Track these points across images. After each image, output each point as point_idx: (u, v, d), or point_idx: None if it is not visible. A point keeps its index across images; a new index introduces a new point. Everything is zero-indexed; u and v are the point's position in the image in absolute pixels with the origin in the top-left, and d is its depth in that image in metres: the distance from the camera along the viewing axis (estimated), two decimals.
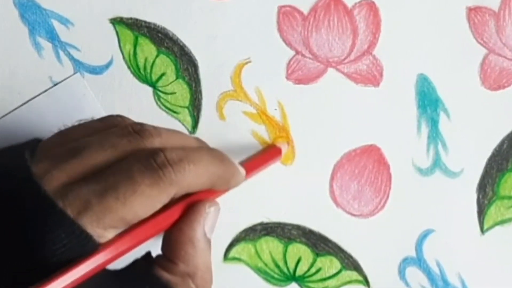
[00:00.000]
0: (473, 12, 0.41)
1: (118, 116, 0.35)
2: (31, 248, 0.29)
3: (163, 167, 0.31)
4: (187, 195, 0.33)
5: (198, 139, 0.37)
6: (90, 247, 0.30)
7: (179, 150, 0.32)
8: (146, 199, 0.31)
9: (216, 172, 0.33)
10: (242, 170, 0.36)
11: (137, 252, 0.33)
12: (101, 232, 0.30)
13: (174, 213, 0.33)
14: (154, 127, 0.34)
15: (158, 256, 0.34)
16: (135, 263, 0.33)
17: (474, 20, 0.41)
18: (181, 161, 0.32)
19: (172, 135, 0.34)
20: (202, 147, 0.35)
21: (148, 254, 0.34)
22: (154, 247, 0.34)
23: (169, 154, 0.32)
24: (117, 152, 0.32)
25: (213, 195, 0.34)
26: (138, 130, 0.33)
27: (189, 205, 0.33)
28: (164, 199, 0.32)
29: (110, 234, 0.31)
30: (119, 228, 0.31)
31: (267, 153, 0.41)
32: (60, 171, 0.31)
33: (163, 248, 0.34)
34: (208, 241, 0.34)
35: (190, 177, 0.32)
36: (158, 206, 0.32)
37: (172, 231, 0.33)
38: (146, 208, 0.31)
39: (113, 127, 0.34)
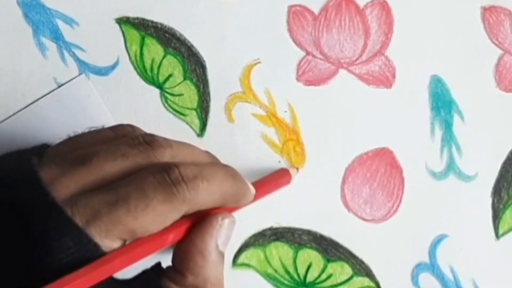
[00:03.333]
0: (487, 11, 0.41)
1: (129, 125, 0.35)
2: (37, 255, 0.29)
3: (177, 184, 0.31)
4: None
5: (208, 153, 0.37)
6: (97, 257, 0.30)
7: (193, 166, 0.32)
8: (157, 215, 0.30)
9: (229, 190, 0.33)
10: (252, 189, 0.35)
11: (148, 262, 0.32)
12: (109, 243, 0.30)
13: (184, 224, 0.32)
14: (165, 139, 0.33)
15: (167, 268, 0.33)
16: (144, 273, 0.33)
17: (489, 20, 0.41)
18: (196, 178, 0.31)
19: (183, 148, 0.34)
20: (215, 163, 0.35)
21: (158, 265, 0.33)
22: (165, 257, 0.33)
23: (183, 170, 0.31)
24: (128, 162, 0.31)
25: (222, 210, 0.34)
26: (149, 141, 0.33)
27: (200, 216, 0.33)
28: (175, 216, 0.31)
29: (117, 245, 0.30)
30: (127, 239, 0.31)
31: (276, 175, 0.41)
32: (69, 179, 0.30)
33: (173, 260, 0.33)
34: (221, 254, 0.34)
35: (204, 195, 0.32)
36: (169, 222, 0.31)
37: (183, 242, 0.33)
38: (156, 223, 0.31)
39: (123, 136, 0.33)
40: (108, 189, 0.30)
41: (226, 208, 0.34)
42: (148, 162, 0.32)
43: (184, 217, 0.32)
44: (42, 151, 0.33)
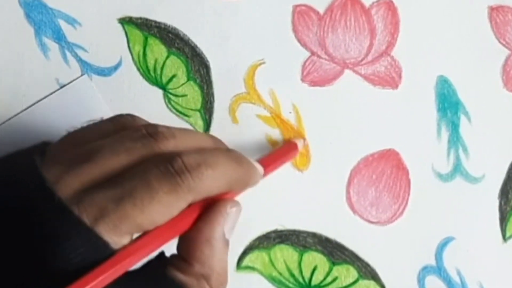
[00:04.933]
0: (495, 11, 0.41)
1: (129, 115, 0.35)
2: (46, 257, 0.29)
3: (181, 173, 0.30)
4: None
5: (212, 137, 0.37)
6: (107, 254, 0.29)
7: (196, 154, 0.32)
8: (164, 206, 0.30)
9: (234, 175, 0.33)
10: (260, 168, 0.35)
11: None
12: (117, 239, 0.30)
13: (192, 213, 0.32)
14: (168, 128, 0.33)
15: (172, 256, 0.33)
16: (149, 263, 0.32)
17: (496, 20, 0.41)
18: (199, 166, 0.31)
19: (187, 135, 0.33)
20: (219, 149, 0.34)
21: (162, 254, 0.33)
22: (168, 246, 0.33)
23: (186, 159, 0.31)
24: (132, 156, 0.31)
25: (230, 195, 0.34)
26: (152, 133, 0.32)
27: (208, 204, 0.33)
28: (182, 206, 0.31)
29: (125, 241, 0.30)
30: (135, 234, 0.31)
31: (284, 149, 0.41)
32: (73, 177, 0.30)
33: (178, 248, 0.33)
34: (227, 242, 0.33)
35: (208, 182, 0.31)
36: (175, 212, 0.31)
37: (190, 230, 0.32)
38: (163, 215, 0.30)
39: (125, 128, 0.33)
40: (113, 184, 0.30)
41: (235, 191, 0.34)
42: (152, 154, 0.31)
43: (192, 205, 0.32)
44: (43, 150, 0.32)
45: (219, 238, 0.33)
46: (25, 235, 0.29)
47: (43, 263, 0.29)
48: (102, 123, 0.34)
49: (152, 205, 0.30)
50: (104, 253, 0.29)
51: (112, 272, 0.29)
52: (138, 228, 0.30)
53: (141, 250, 0.30)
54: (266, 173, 0.36)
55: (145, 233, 0.31)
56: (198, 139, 0.34)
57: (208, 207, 0.32)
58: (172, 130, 0.33)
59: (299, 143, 0.41)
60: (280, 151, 0.40)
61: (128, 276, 0.31)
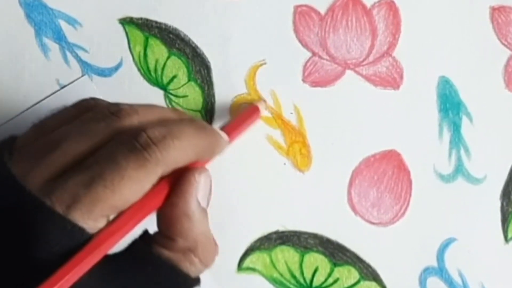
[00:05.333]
0: (496, 12, 0.41)
1: (91, 98, 0.35)
2: (27, 250, 0.29)
3: (147, 147, 0.30)
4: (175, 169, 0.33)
5: (176, 110, 0.37)
6: (84, 239, 0.30)
7: (161, 127, 0.32)
8: (135, 183, 0.30)
9: (200, 143, 0.33)
10: (224, 136, 0.35)
11: (136, 231, 0.32)
12: (93, 223, 0.30)
13: (164, 188, 0.32)
14: (130, 105, 0.33)
15: (156, 234, 0.33)
16: (134, 244, 0.32)
17: (498, 20, 0.41)
18: (165, 138, 0.31)
19: (149, 110, 0.33)
20: (183, 119, 0.34)
21: (146, 233, 0.33)
22: (151, 223, 0.33)
23: (151, 132, 0.31)
24: (97, 138, 0.31)
25: (199, 164, 0.34)
26: (115, 111, 0.32)
27: (178, 177, 0.33)
28: (152, 180, 0.31)
29: (101, 224, 0.30)
30: (110, 216, 0.31)
31: (246, 114, 0.40)
32: (42, 168, 0.30)
33: (159, 226, 0.33)
34: (204, 211, 0.33)
35: (176, 152, 0.31)
36: (148, 187, 0.31)
37: (165, 207, 0.32)
38: (135, 192, 0.30)
39: (87, 111, 0.33)
40: (81, 169, 0.30)
41: (204, 161, 0.34)
42: (117, 133, 0.31)
43: (163, 179, 0.32)
44: (11, 144, 0.32)
45: (195, 208, 0.32)
46: (1, 232, 0.29)
47: (25, 257, 0.29)
48: (65, 109, 0.34)
49: (123, 183, 0.30)
50: (81, 239, 0.29)
51: (91, 257, 0.29)
52: (113, 209, 0.30)
53: (117, 232, 0.30)
54: (231, 139, 0.36)
55: (120, 214, 0.31)
56: (161, 112, 0.34)
57: (178, 180, 0.32)
58: (134, 106, 0.33)
59: (261, 106, 0.41)
60: (242, 116, 0.40)
61: (114, 258, 0.31)
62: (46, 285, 0.28)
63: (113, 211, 0.30)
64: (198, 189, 0.33)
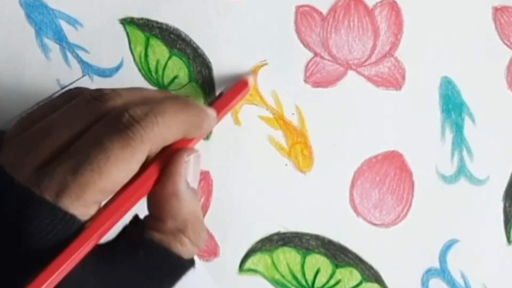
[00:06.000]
0: (499, 12, 0.40)
1: (76, 88, 0.35)
2: (19, 241, 0.29)
3: (130, 125, 0.31)
4: (164, 151, 0.33)
5: (161, 90, 0.37)
6: (76, 227, 0.30)
7: (143, 105, 0.32)
8: (122, 163, 0.30)
9: (185, 118, 0.33)
10: (211, 112, 0.35)
11: (126, 217, 0.32)
12: (84, 210, 0.30)
13: (154, 171, 0.32)
14: (113, 89, 0.33)
15: (146, 217, 0.33)
16: (125, 230, 0.33)
17: (501, 20, 0.40)
18: (147, 115, 0.31)
19: (133, 93, 0.34)
20: (166, 97, 0.34)
21: (136, 218, 0.33)
22: (142, 208, 0.33)
23: (133, 111, 0.31)
24: (81, 123, 0.31)
25: (190, 143, 0.34)
26: (98, 96, 0.32)
27: (167, 159, 0.33)
28: (139, 158, 0.31)
29: (92, 211, 0.30)
30: (101, 201, 0.31)
31: (234, 90, 0.40)
32: (30, 157, 0.30)
33: (149, 208, 0.33)
34: (194, 191, 0.33)
35: (160, 129, 0.31)
36: (136, 167, 0.31)
37: (155, 188, 0.32)
38: (123, 172, 0.30)
39: (72, 100, 0.33)
40: (67, 155, 0.30)
41: (192, 139, 0.34)
42: (100, 116, 0.32)
43: (153, 161, 0.32)
44: (0, 138, 0.32)
45: (184, 188, 0.32)
46: None
47: (18, 247, 0.29)
48: (52, 100, 0.34)
49: (109, 164, 0.30)
50: (73, 226, 0.29)
51: (84, 247, 0.29)
52: (102, 192, 0.30)
53: (109, 218, 0.30)
54: (221, 115, 0.36)
55: (112, 199, 0.31)
56: (145, 92, 0.34)
57: (168, 161, 0.32)
58: (117, 90, 0.33)
59: (250, 79, 0.40)
60: (231, 91, 0.40)
61: (106, 246, 0.31)
62: (41, 277, 0.28)
63: (103, 195, 0.30)
64: (187, 170, 0.33)
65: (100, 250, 0.31)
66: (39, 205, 0.29)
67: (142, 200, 0.32)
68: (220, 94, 0.40)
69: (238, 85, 0.40)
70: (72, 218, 0.29)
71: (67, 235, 0.29)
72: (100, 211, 0.31)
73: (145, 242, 0.32)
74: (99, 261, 0.31)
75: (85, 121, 0.31)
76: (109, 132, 0.30)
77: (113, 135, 0.30)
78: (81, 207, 0.30)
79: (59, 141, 0.31)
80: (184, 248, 0.32)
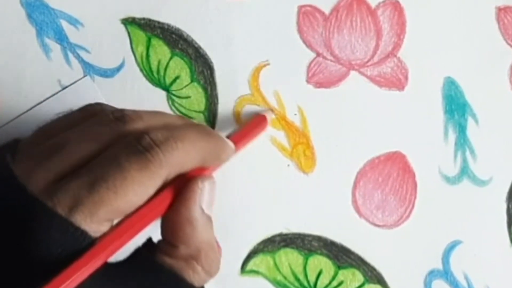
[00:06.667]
0: (502, 12, 0.40)
1: (97, 104, 0.35)
2: (28, 252, 0.29)
3: (150, 149, 0.30)
4: (180, 176, 0.32)
5: (181, 117, 0.37)
6: (86, 243, 0.29)
7: (164, 130, 0.32)
8: (138, 185, 0.30)
9: (205, 146, 0.33)
10: (230, 143, 0.35)
11: (139, 239, 0.32)
12: (96, 227, 0.30)
13: (168, 195, 0.32)
14: (135, 111, 0.33)
15: (159, 242, 0.33)
16: (137, 252, 0.32)
17: (504, 20, 0.40)
18: (168, 140, 0.31)
19: (154, 116, 0.33)
20: (187, 124, 0.34)
21: (149, 240, 0.33)
22: (156, 232, 0.33)
23: (154, 135, 0.31)
24: (101, 141, 0.31)
25: (206, 172, 0.33)
26: (119, 116, 0.32)
27: (182, 184, 0.32)
28: (156, 183, 0.31)
29: (104, 228, 0.30)
30: (114, 219, 0.30)
31: (253, 123, 0.40)
32: (45, 170, 0.30)
33: (162, 233, 0.33)
34: (208, 218, 0.33)
35: (179, 155, 0.31)
36: (152, 191, 0.31)
37: (169, 213, 0.32)
38: (139, 194, 0.30)
39: (93, 116, 0.33)
40: (84, 171, 0.30)
41: (209, 167, 0.34)
42: (121, 137, 0.31)
43: (168, 186, 0.32)
44: (14, 147, 0.32)
45: (199, 215, 0.32)
46: (3, 233, 0.29)
47: (25, 259, 0.29)
48: (71, 114, 0.34)
49: (126, 185, 0.29)
50: (83, 242, 0.29)
51: (92, 263, 0.29)
52: (116, 212, 0.30)
53: (119, 237, 0.30)
54: (238, 148, 0.36)
55: (125, 219, 0.31)
56: (166, 117, 0.34)
57: (182, 188, 0.32)
58: (139, 112, 0.33)
59: (268, 115, 0.41)
60: (249, 125, 0.40)
61: (117, 266, 0.31)
62: None
63: (116, 215, 0.30)
64: (202, 196, 0.32)
65: (109, 269, 0.30)
66: (50, 218, 0.29)
67: (156, 222, 0.32)
68: (239, 128, 0.40)
69: (257, 119, 0.40)
70: (83, 234, 0.29)
71: (77, 250, 0.29)
72: (111, 229, 0.30)
73: (156, 266, 0.31)
74: (107, 279, 0.30)
75: (105, 140, 0.31)
76: (128, 153, 0.30)
77: (132, 156, 0.30)
78: (93, 224, 0.29)
79: (76, 156, 0.30)
80: (196, 275, 0.32)
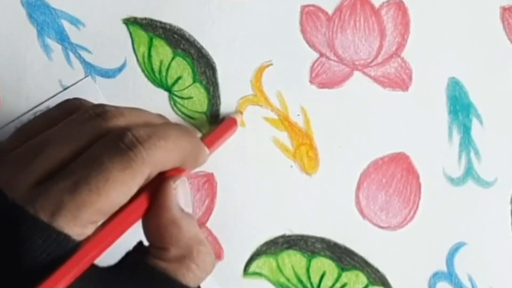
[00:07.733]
0: (507, 12, 0.40)
1: (75, 99, 0.34)
2: (12, 261, 0.28)
3: (132, 147, 0.30)
4: (159, 175, 0.32)
5: (161, 115, 0.37)
6: (70, 247, 0.29)
7: (146, 127, 0.31)
8: (121, 185, 0.29)
9: (186, 146, 0.32)
10: (206, 149, 0.35)
11: (129, 243, 0.32)
12: (80, 230, 0.29)
13: (145, 198, 0.32)
14: (116, 107, 0.32)
15: (150, 246, 0.32)
16: (127, 256, 0.32)
17: (509, 20, 0.40)
18: (150, 137, 0.30)
19: (135, 113, 0.33)
20: (168, 123, 0.34)
21: (140, 244, 0.32)
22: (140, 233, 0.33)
23: (136, 132, 0.30)
24: (82, 140, 0.31)
25: (178, 172, 0.33)
26: (100, 113, 0.32)
27: (157, 187, 0.32)
28: (139, 181, 0.30)
29: (89, 230, 0.30)
30: (98, 221, 0.30)
31: (224, 126, 0.40)
32: (25, 175, 0.29)
33: (149, 239, 0.32)
34: (189, 215, 0.33)
35: (162, 153, 0.31)
36: (134, 189, 0.30)
37: (148, 218, 0.32)
38: (122, 194, 0.30)
39: (72, 113, 0.32)
40: (65, 174, 0.29)
41: (184, 169, 0.33)
42: (102, 134, 0.31)
43: (148, 184, 0.31)
44: None
45: (179, 214, 0.32)
46: None
47: (10, 267, 0.28)
48: (49, 111, 0.34)
49: (108, 186, 0.29)
50: (67, 246, 0.29)
51: (76, 269, 0.29)
52: (100, 213, 0.29)
53: (104, 239, 0.30)
54: (210, 151, 0.36)
55: (108, 220, 0.30)
56: (146, 115, 0.34)
57: (157, 191, 0.32)
58: (120, 108, 0.32)
59: (238, 118, 0.40)
60: (220, 128, 0.39)
61: (107, 270, 0.31)
62: None
63: (100, 216, 0.30)
64: (178, 196, 0.32)
65: (100, 274, 0.30)
66: (32, 225, 0.28)
67: (138, 223, 0.32)
68: (209, 131, 0.40)
69: (227, 123, 0.40)
70: (66, 238, 0.29)
71: (61, 255, 0.29)
72: (96, 231, 0.30)
73: (148, 270, 0.31)
74: (98, 284, 0.30)
75: (85, 138, 0.31)
76: (110, 152, 0.30)
77: (114, 155, 0.29)
78: (77, 227, 0.29)
79: (56, 158, 0.30)
80: (191, 274, 0.31)
